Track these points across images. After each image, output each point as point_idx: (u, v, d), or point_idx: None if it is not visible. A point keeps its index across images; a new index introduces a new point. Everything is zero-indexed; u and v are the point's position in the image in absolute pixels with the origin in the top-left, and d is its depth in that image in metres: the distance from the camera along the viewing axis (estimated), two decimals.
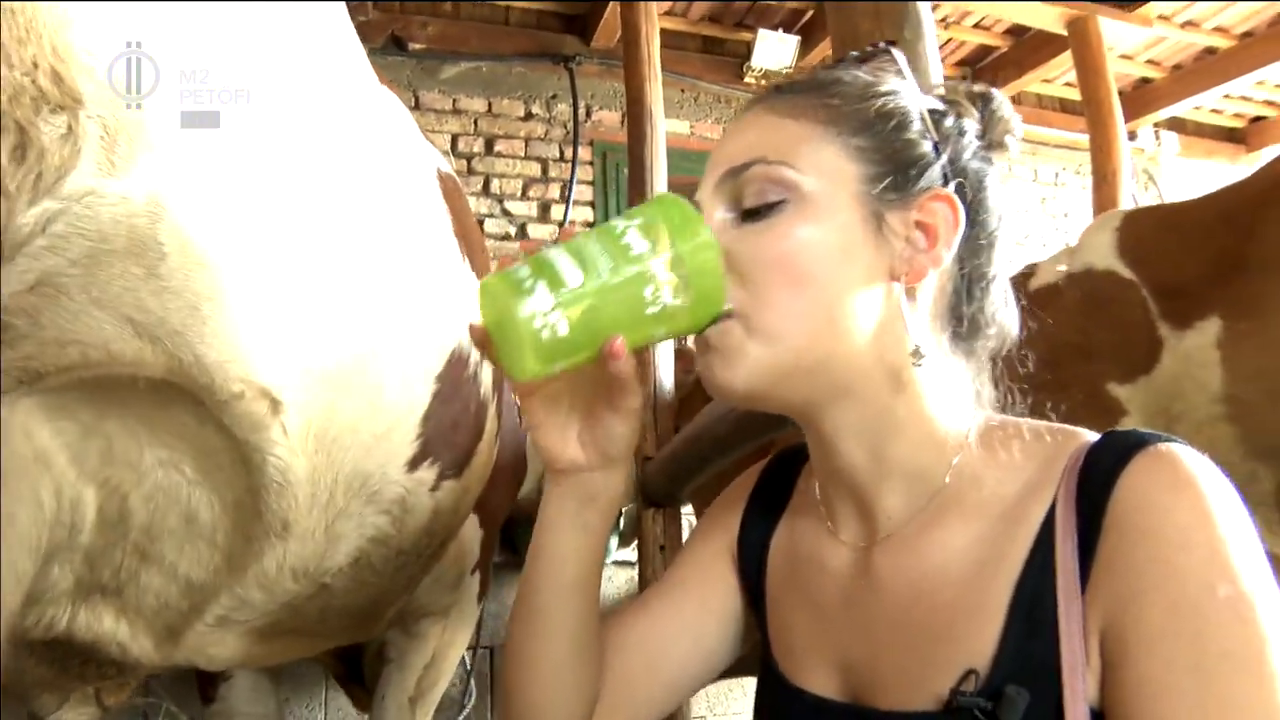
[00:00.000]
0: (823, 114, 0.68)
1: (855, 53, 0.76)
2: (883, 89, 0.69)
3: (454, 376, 1.12)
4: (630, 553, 3.18)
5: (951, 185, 0.68)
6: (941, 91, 0.74)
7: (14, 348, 0.65)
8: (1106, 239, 1.63)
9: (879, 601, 0.70)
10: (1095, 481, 0.61)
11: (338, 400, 0.88)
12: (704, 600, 0.84)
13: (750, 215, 0.66)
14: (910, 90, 0.71)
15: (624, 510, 3.05)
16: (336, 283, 0.85)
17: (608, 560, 3.28)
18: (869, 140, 0.67)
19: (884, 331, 0.67)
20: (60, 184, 0.58)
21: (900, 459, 0.69)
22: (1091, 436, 0.65)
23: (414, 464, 1.08)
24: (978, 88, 0.75)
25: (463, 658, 3.07)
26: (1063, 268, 1.71)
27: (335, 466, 0.93)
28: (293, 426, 0.83)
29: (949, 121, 0.71)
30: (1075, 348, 1.59)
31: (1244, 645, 0.53)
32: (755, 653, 0.84)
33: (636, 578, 2.22)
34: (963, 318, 0.70)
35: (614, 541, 3.20)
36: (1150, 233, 1.60)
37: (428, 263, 1.08)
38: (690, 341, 0.72)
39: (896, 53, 0.73)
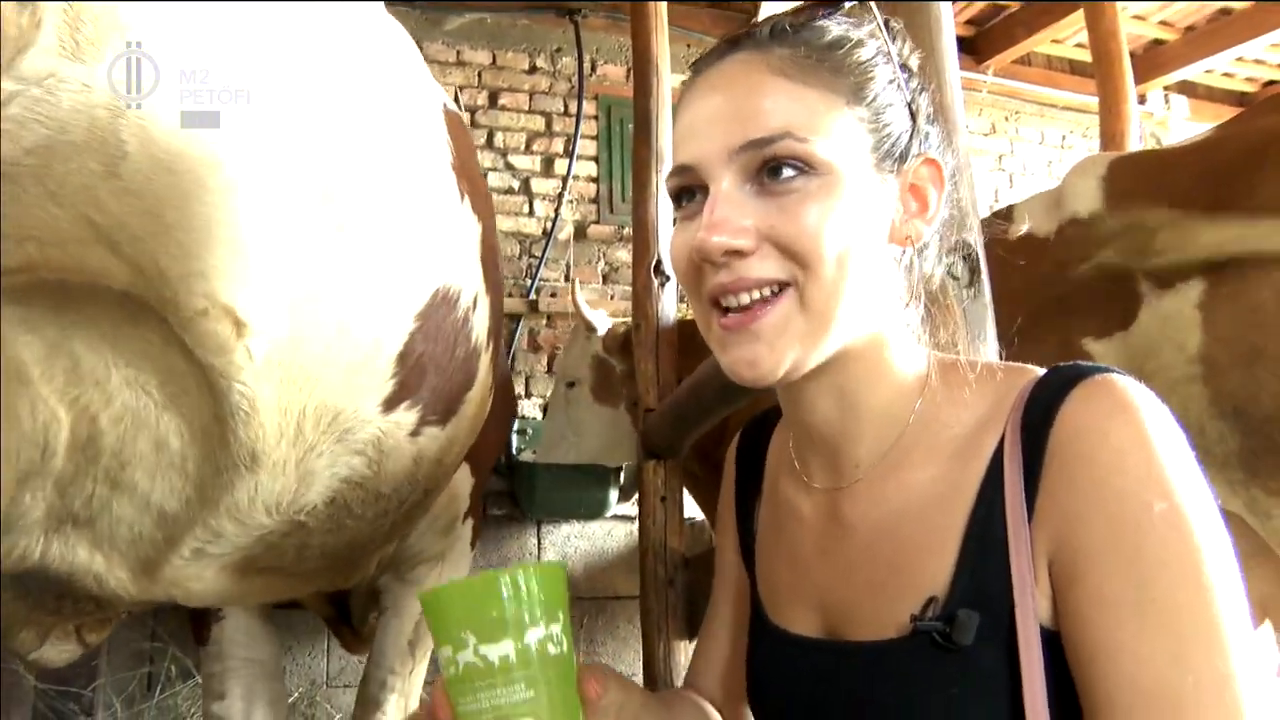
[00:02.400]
0: (834, 82, 0.68)
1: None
2: (878, 57, 0.70)
3: (438, 317, 1.08)
4: (630, 507, 3.21)
5: (928, 147, 0.72)
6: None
7: None
8: (1092, 186, 1.60)
9: (848, 542, 0.73)
10: (1038, 412, 0.64)
11: (306, 327, 0.85)
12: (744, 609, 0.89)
13: (774, 188, 0.66)
14: (890, 52, 0.72)
15: (624, 465, 3.08)
16: (312, 203, 0.81)
17: (606, 515, 3.31)
18: (871, 111, 0.69)
19: (883, 294, 0.71)
20: (18, 60, 0.53)
21: (870, 408, 0.72)
22: (1040, 372, 0.68)
23: (390, 404, 1.05)
24: (891, 22, 0.75)
25: None
26: (1048, 219, 1.66)
27: (304, 398, 0.90)
28: (258, 351, 0.80)
29: (914, 83, 0.73)
30: (1055, 300, 1.58)
31: (1181, 557, 0.56)
32: None
33: (637, 532, 2.23)
34: (920, 264, 0.74)
35: (614, 495, 3.23)
36: (1137, 185, 1.56)
37: (418, 194, 1.03)
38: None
39: (874, 6, 0.73)
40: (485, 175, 3.92)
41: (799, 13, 0.71)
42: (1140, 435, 0.60)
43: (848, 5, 0.72)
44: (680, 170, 0.70)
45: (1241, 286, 1.36)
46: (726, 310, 0.68)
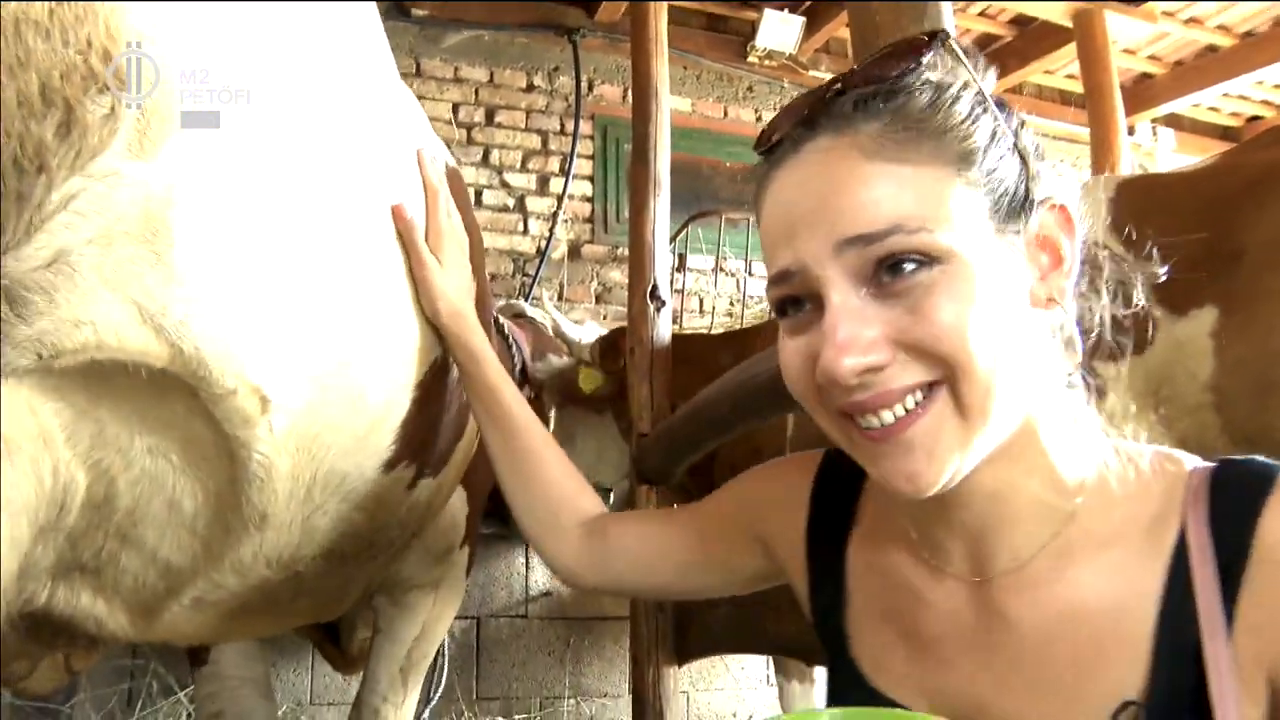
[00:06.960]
0: (937, 152, 0.60)
1: (910, 42, 0.65)
2: (975, 107, 0.62)
3: (436, 384, 1.13)
4: None
5: (1046, 190, 0.64)
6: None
7: (31, 324, 0.65)
8: (1099, 209, 1.57)
9: (1010, 641, 0.67)
10: (1233, 513, 0.60)
11: (323, 402, 0.90)
12: (709, 553, 0.91)
13: (894, 287, 0.59)
14: (984, 91, 0.63)
15: (614, 483, 3.07)
16: (331, 286, 0.86)
17: None
18: (983, 172, 0.61)
19: (1038, 371, 0.64)
20: (92, 162, 0.58)
21: (1029, 498, 0.66)
22: (1197, 462, 0.65)
23: (390, 465, 1.10)
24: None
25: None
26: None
27: (315, 464, 0.95)
28: (279, 425, 0.84)
29: (1013, 119, 0.65)
30: None
31: None
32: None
33: None
34: (1071, 329, 0.68)
35: None
36: (1145, 208, 1.54)
37: None
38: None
39: (955, 42, 0.64)
40: (480, 193, 3.92)
41: (877, 67, 0.63)
42: None
43: (927, 55, 0.62)
44: (781, 278, 0.63)
45: (1253, 316, 1.35)
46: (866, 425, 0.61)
